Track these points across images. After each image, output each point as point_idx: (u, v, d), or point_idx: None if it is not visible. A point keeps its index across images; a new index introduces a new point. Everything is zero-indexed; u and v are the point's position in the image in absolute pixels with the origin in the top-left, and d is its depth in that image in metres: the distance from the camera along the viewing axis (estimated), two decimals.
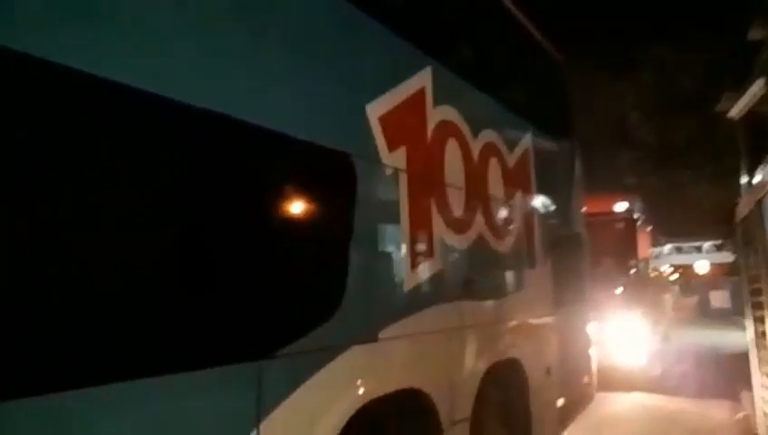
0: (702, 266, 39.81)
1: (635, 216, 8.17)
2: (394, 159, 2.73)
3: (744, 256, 6.67)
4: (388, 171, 2.70)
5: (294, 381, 2.02)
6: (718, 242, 33.34)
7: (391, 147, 2.71)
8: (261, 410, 1.89)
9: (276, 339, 1.98)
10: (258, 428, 1.87)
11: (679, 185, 20.02)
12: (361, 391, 2.33)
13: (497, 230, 3.69)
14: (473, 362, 3.23)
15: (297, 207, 2.19)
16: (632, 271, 8.00)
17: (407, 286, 2.73)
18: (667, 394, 7.83)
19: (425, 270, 2.89)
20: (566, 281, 4.84)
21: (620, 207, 8.17)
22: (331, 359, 2.18)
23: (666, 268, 29.20)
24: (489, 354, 3.38)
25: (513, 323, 3.80)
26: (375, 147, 2.61)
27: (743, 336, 7.26)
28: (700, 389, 8.19)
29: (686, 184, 19.72)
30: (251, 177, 2.00)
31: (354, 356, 2.30)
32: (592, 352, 5.46)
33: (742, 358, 7.57)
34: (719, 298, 26.97)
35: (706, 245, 37.07)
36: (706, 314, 26.28)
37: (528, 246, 4.15)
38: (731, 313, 23.42)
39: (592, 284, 6.16)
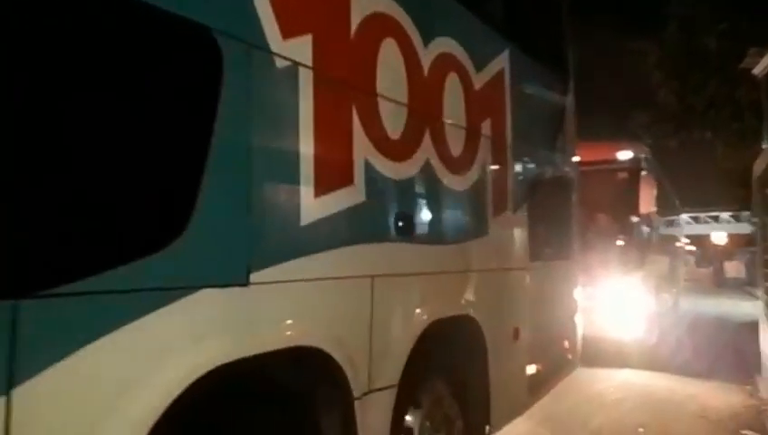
0: (718, 237, 38.70)
1: (640, 166, 7.10)
2: (291, 50, 2.03)
3: (761, 213, 5.93)
4: (281, 63, 2.00)
5: (88, 333, 1.38)
6: (735, 213, 32.19)
7: (287, 33, 2.00)
8: (15, 374, 1.27)
9: (51, 271, 1.34)
10: (9, 397, 1.26)
11: (698, 148, 18.99)
12: (213, 350, 1.68)
13: (453, 162, 2.99)
14: (404, 319, 2.58)
15: (120, 88, 1.51)
16: (633, 229, 7.03)
17: (306, 218, 2.06)
18: (666, 371, 6.91)
19: (337, 200, 2.21)
20: (548, 231, 4.15)
21: (624, 155, 7.12)
22: (160, 304, 1.54)
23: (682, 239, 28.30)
24: (430, 310, 2.72)
25: (469, 274, 3.13)
26: (259, 27, 1.90)
27: (755, 306, 6.47)
28: (704, 364, 7.31)
29: (705, 147, 18.66)
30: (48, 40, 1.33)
31: (204, 303, 1.66)
32: (578, 317, 4.79)
33: (753, 328, 6.86)
34: (734, 268, 26.15)
35: (724, 215, 35.87)
36: (721, 284, 25.50)
37: (497, 185, 3.43)
38: (745, 283, 22.61)
39: (584, 240, 5.46)
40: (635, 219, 6.96)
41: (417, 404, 2.76)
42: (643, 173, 7.05)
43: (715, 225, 37.97)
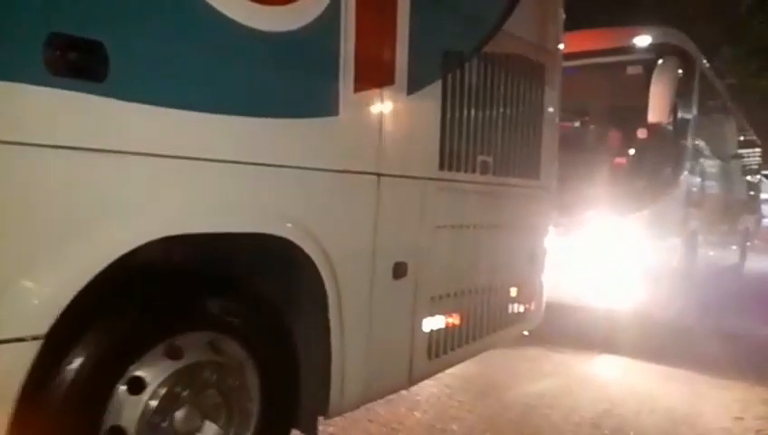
0: None
1: (660, 57, 4.56)
2: None
3: None
4: None
5: None
6: None
7: None
8: None
9: None
10: None
11: None
12: None
13: None
14: (65, 226, 1.38)
15: None
16: (643, 150, 4.68)
17: None
18: (669, 362, 4.48)
19: None
20: (485, 134, 2.78)
21: (642, 41, 4.74)
22: None
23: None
24: (150, 219, 1.53)
25: (285, 171, 1.85)
26: None
27: None
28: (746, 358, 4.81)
29: None
30: None
31: None
32: (541, 260, 3.42)
33: None
34: None
35: None
36: None
37: (364, 40, 2.06)
38: None
39: (570, 162, 3.88)
40: (643, 135, 4.61)
41: (137, 385, 1.61)
42: (660, 62, 4.49)
43: None
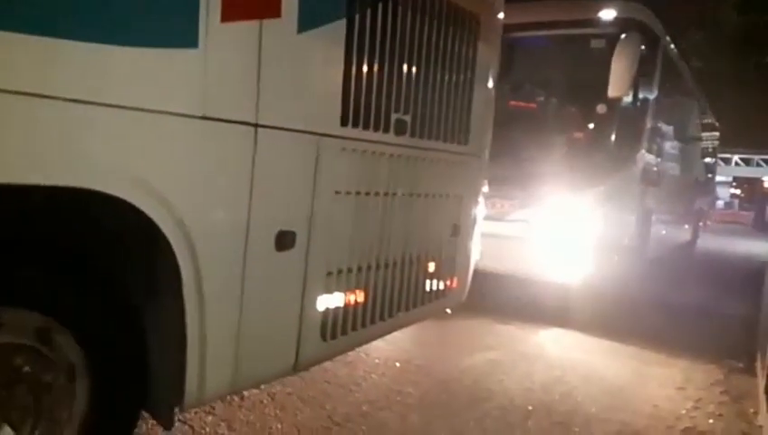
0: None
1: (622, 32, 4.22)
2: None
3: None
4: None
5: None
6: None
7: None
8: None
9: None
10: None
11: (755, 77, 15.91)
12: None
13: None
14: None
15: None
16: (599, 126, 4.39)
17: None
18: (618, 333, 4.45)
19: None
20: (406, 87, 2.39)
21: (606, 14, 4.44)
22: None
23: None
24: None
25: (125, 114, 1.43)
26: None
27: None
28: (687, 330, 4.90)
29: (763, 76, 15.59)
30: None
31: None
32: (467, 233, 3.09)
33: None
34: None
35: None
36: (761, 228, 22.71)
37: None
38: None
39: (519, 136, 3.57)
40: (602, 111, 4.32)
41: None
42: (623, 36, 4.18)
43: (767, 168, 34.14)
